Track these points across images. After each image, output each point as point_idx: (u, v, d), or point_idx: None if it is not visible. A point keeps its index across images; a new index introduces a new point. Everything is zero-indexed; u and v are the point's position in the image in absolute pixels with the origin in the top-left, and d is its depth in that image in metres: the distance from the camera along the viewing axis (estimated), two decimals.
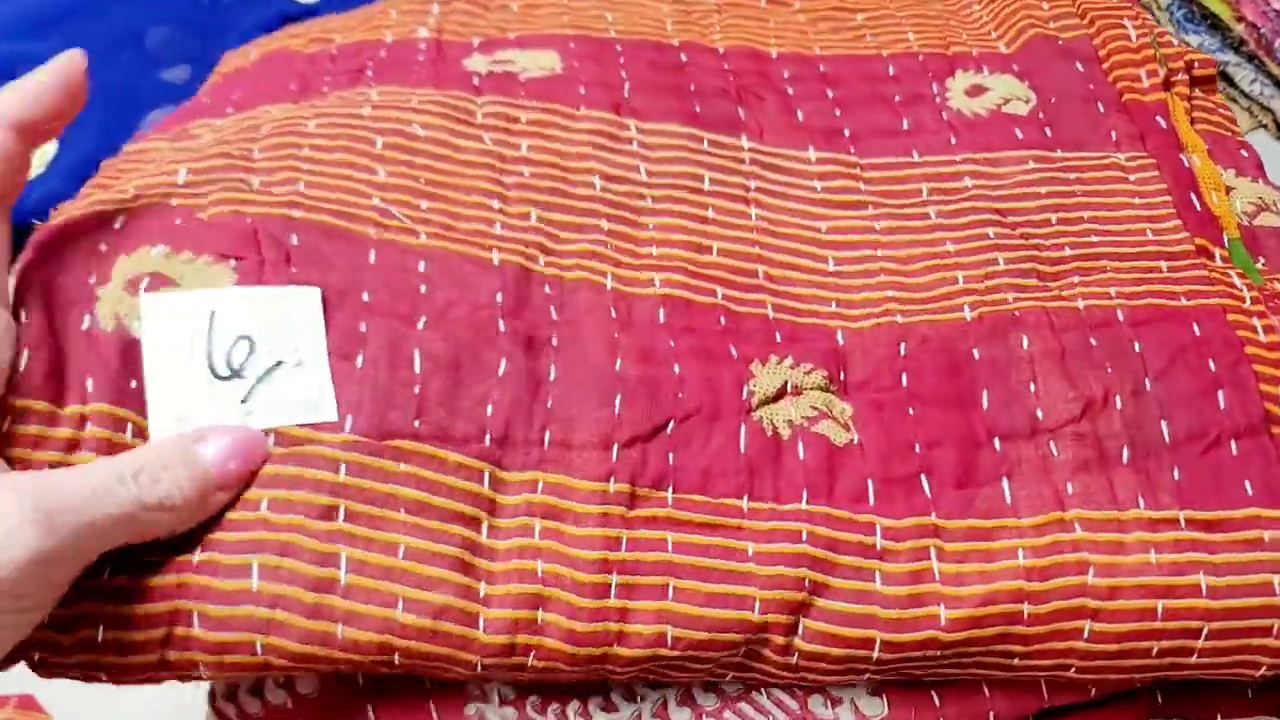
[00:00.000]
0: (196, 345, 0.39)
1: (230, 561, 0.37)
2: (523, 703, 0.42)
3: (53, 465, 0.36)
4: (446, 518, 0.38)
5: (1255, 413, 0.41)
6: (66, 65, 0.39)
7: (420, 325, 0.40)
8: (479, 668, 0.38)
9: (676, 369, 0.41)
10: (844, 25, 0.57)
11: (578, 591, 0.37)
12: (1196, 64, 0.54)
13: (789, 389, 0.42)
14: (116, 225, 0.41)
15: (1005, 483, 0.40)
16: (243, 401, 0.38)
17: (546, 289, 0.42)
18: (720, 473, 0.40)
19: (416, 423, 0.39)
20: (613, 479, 0.39)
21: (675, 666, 0.39)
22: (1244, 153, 0.51)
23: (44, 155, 0.72)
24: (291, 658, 0.37)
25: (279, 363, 0.39)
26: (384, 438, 0.38)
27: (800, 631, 0.38)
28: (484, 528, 0.38)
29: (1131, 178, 0.48)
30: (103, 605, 0.36)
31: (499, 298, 0.41)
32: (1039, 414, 0.41)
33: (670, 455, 0.40)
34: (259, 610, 0.36)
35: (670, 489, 0.39)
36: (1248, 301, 0.44)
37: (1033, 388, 0.42)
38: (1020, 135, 0.50)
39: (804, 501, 0.39)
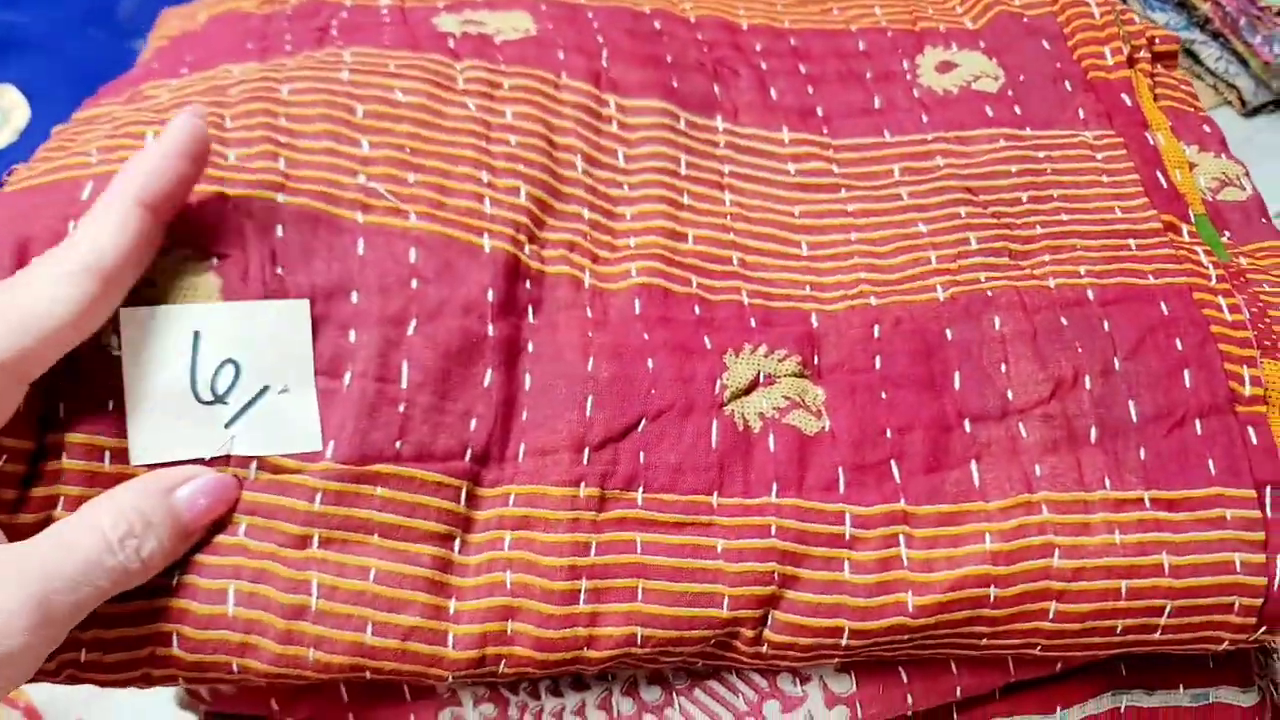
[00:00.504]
0: (179, 367, 0.36)
1: (208, 586, 0.36)
2: None
3: (37, 502, 0.35)
4: (419, 538, 0.37)
5: (1220, 392, 0.41)
6: (188, 127, 0.37)
7: (410, 330, 0.39)
8: (450, 680, 0.37)
9: (650, 364, 0.40)
10: None
11: (546, 599, 0.37)
12: (1158, 39, 0.53)
13: (761, 379, 0.41)
14: (84, 196, 0.38)
15: (974, 465, 0.40)
16: (227, 426, 0.37)
17: (528, 285, 0.41)
18: (691, 469, 0.39)
19: (399, 443, 0.38)
20: (583, 484, 0.38)
21: (646, 660, 0.39)
22: (1206, 128, 0.51)
23: (15, 125, 0.71)
24: (266, 676, 0.37)
25: (265, 388, 0.37)
26: (364, 462, 0.37)
27: (769, 623, 0.38)
28: (457, 544, 0.38)
29: (1099, 156, 0.47)
30: (82, 631, 0.35)
31: (490, 295, 0.40)
32: (1009, 395, 0.41)
33: (641, 454, 0.39)
34: (233, 635, 0.36)
35: (640, 489, 0.39)
36: (1213, 279, 0.43)
37: (1004, 368, 0.41)
38: (990, 113, 0.49)
39: (773, 494, 0.39)
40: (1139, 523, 0.39)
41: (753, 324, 0.42)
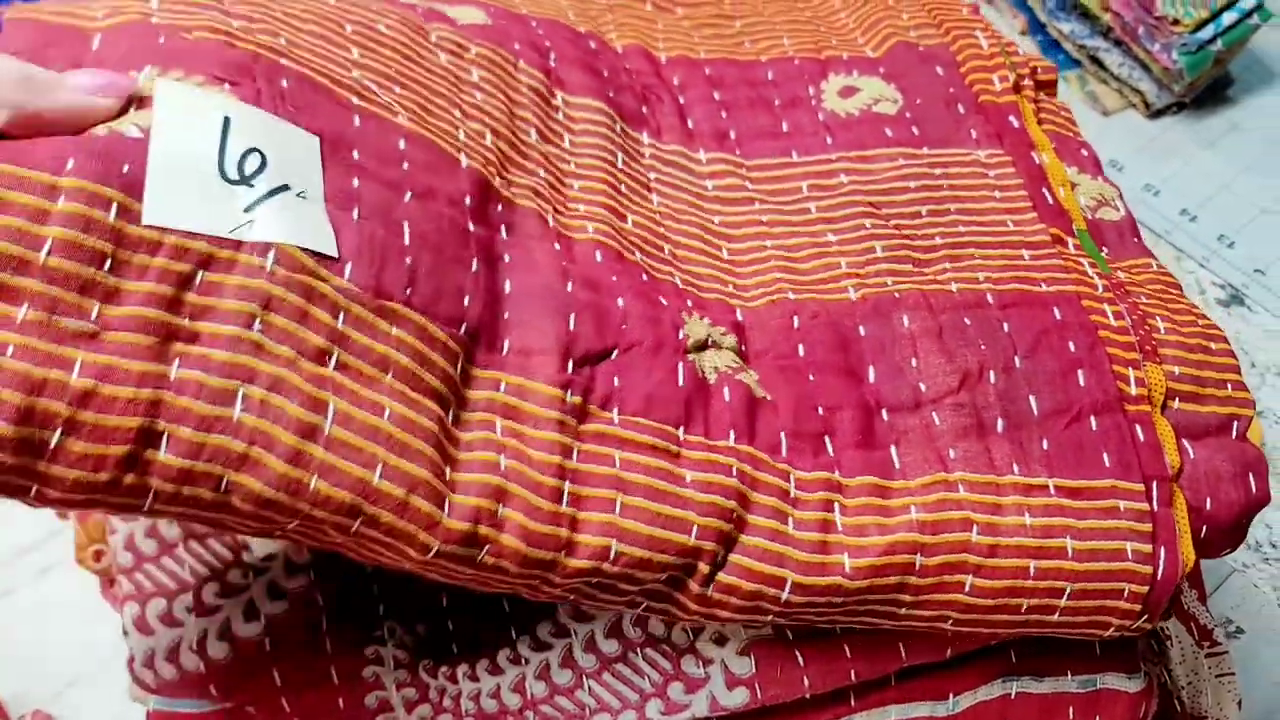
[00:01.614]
0: (208, 142, 0.33)
1: (216, 384, 0.31)
2: (415, 665, 0.41)
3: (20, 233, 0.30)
4: (428, 393, 0.35)
5: (1110, 391, 0.41)
6: None
7: (407, 198, 0.38)
8: (432, 553, 0.33)
9: (620, 302, 0.40)
10: (724, 32, 0.56)
11: (536, 491, 0.35)
12: (1040, 69, 0.54)
13: (710, 343, 0.41)
14: (94, 45, 0.35)
15: (894, 449, 0.40)
16: (246, 210, 0.33)
17: (500, 207, 0.41)
18: (661, 401, 0.38)
19: (408, 290, 0.35)
20: (569, 390, 0.37)
21: (606, 588, 0.36)
22: (1084, 151, 0.52)
23: None
24: (255, 502, 0.31)
25: (286, 185, 0.34)
26: (379, 296, 0.34)
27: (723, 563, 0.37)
28: (451, 414, 0.36)
29: (991, 173, 0.48)
30: (63, 405, 0.29)
31: (467, 201, 0.39)
32: (922, 387, 0.41)
33: (615, 378, 0.38)
34: (235, 443, 0.30)
35: (616, 409, 0.38)
36: (1099, 288, 0.44)
37: (914, 363, 0.41)
38: (890, 134, 0.50)
39: (732, 439, 0.39)
40: (1045, 507, 0.39)
41: (689, 304, 0.42)
